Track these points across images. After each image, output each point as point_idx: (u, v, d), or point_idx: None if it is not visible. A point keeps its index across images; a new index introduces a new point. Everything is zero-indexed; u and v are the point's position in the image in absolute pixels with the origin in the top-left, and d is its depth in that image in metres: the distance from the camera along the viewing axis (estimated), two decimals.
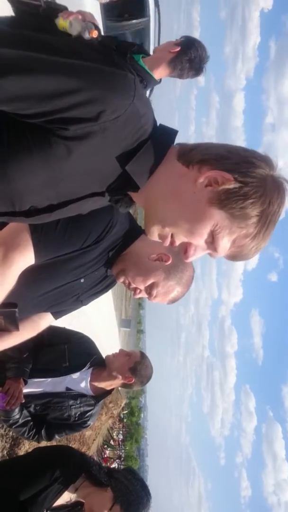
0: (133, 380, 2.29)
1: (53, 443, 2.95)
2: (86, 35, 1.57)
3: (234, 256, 1.00)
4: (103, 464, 2.36)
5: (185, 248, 1.01)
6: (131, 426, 46.35)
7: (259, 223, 0.93)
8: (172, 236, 1.00)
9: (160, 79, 2.60)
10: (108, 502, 1.93)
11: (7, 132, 0.89)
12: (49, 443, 2.71)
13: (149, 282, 1.57)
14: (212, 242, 0.97)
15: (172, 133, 1.02)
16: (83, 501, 2.04)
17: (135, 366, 2.31)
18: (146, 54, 2.45)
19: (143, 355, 2.40)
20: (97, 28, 1.62)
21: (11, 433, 5.53)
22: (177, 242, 1.00)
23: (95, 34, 1.60)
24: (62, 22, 1.68)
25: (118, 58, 0.93)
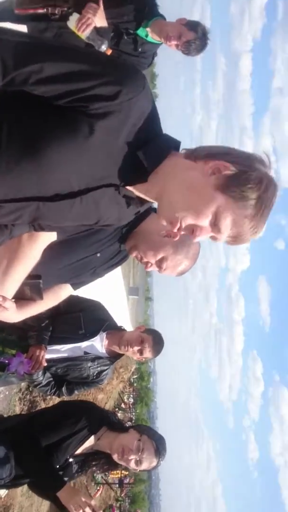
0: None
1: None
2: (102, 48, 1.69)
3: (235, 236, 1.15)
4: None
5: (191, 230, 1.15)
6: (141, 390, 47.44)
7: (256, 205, 1.10)
8: (180, 221, 1.14)
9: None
10: (136, 435, 2.18)
11: (37, 119, 1.04)
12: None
13: (159, 256, 1.72)
14: (215, 223, 1.12)
15: (176, 140, 1.19)
16: (104, 451, 2.28)
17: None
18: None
19: (155, 338, 2.50)
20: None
21: (28, 396, 5.84)
22: (183, 226, 1.15)
23: (109, 52, 1.72)
24: (77, 33, 1.80)
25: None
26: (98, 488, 12.01)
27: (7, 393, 5.47)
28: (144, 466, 2.19)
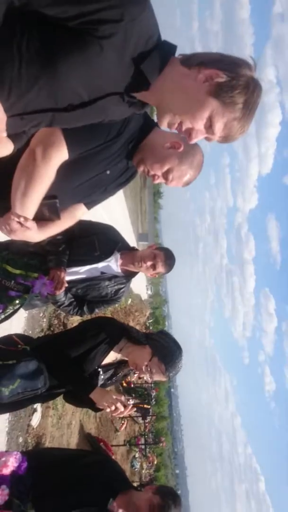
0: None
1: None
2: None
3: (225, 136, 1.34)
4: None
5: (189, 133, 1.34)
6: None
7: (244, 108, 1.28)
8: (179, 123, 1.33)
9: None
10: (148, 356, 2.38)
11: (55, 39, 1.14)
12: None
13: (165, 168, 1.82)
14: (210, 126, 1.31)
15: (173, 45, 1.32)
16: (127, 359, 2.51)
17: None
18: None
19: (166, 253, 2.69)
20: None
21: None
22: (184, 127, 1.33)
23: None
24: None
25: None
26: (123, 422, 12.67)
27: (30, 332, 5.78)
28: (156, 378, 2.42)
